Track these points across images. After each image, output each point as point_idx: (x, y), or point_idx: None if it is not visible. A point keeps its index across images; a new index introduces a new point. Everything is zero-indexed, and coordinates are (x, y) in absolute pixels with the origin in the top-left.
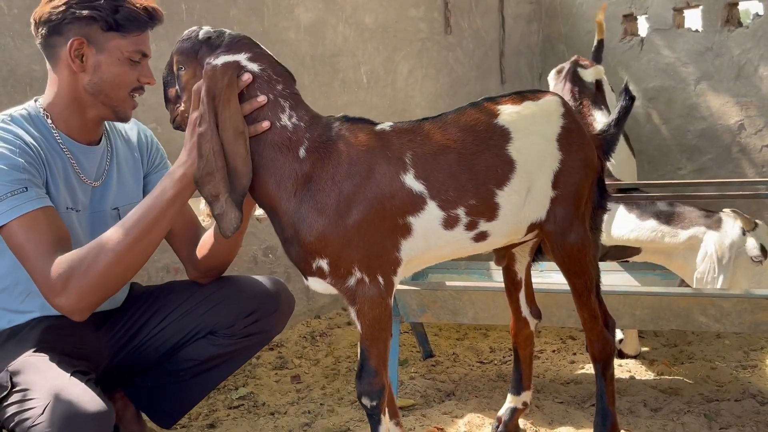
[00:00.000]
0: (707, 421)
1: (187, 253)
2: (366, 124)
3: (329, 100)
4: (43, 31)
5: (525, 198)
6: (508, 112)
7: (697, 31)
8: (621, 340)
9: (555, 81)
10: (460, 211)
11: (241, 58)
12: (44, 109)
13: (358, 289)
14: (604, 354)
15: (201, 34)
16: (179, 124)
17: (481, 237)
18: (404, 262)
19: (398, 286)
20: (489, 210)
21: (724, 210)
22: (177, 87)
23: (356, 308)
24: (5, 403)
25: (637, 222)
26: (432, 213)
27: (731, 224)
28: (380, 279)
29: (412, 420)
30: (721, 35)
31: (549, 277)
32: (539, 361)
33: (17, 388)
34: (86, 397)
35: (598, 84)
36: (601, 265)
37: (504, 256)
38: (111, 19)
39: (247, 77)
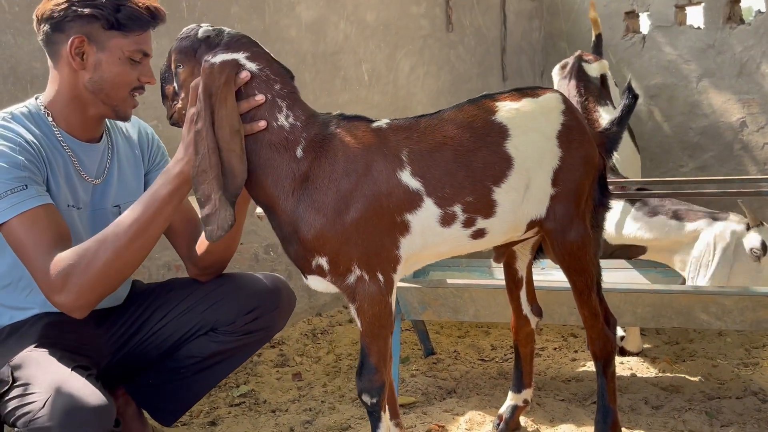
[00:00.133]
0: (708, 418)
1: (186, 250)
2: (362, 121)
3: (331, 97)
4: (45, 28)
5: (523, 195)
6: (506, 109)
7: (699, 28)
8: (623, 338)
9: (559, 76)
10: (457, 209)
11: (240, 56)
12: (45, 107)
13: (357, 286)
14: (605, 352)
15: (200, 33)
16: (176, 121)
17: (479, 234)
18: (403, 259)
19: (399, 284)
20: (486, 207)
21: (732, 213)
22: (174, 84)
23: (356, 305)
24: (6, 398)
25: (646, 219)
26: (429, 210)
27: (738, 219)
28: (380, 276)
29: (413, 417)
30: (723, 32)
31: (550, 274)
32: (540, 358)
33: (18, 383)
34: (87, 391)
35: (603, 79)
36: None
37: (503, 254)
38: (112, 17)
39: (244, 75)
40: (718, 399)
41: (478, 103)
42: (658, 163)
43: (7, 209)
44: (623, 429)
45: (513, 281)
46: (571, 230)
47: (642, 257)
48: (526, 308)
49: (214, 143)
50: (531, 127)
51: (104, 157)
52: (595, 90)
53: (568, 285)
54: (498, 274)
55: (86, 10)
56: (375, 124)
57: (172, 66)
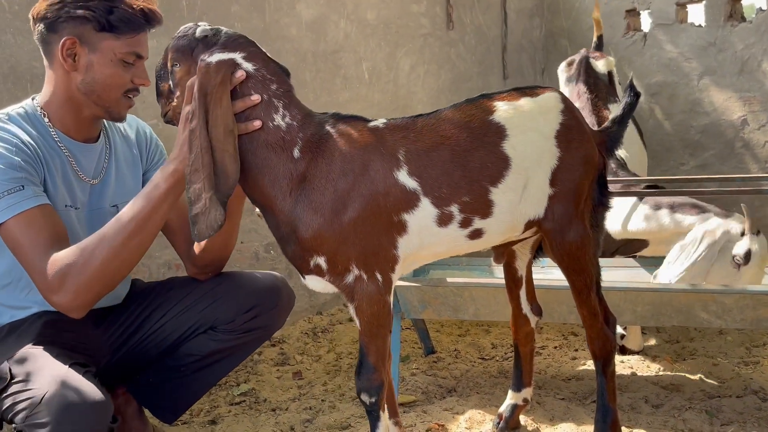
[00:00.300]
0: (709, 417)
1: (185, 248)
2: (359, 121)
3: (331, 96)
4: (40, 28)
5: (521, 195)
6: (504, 109)
7: (700, 26)
8: (623, 336)
9: (566, 73)
10: (454, 209)
11: (236, 56)
12: (41, 108)
13: (356, 285)
14: (605, 351)
15: (198, 32)
16: (170, 119)
17: (476, 234)
18: (401, 259)
19: (399, 283)
20: (483, 207)
21: (737, 213)
22: (170, 82)
23: (355, 305)
24: (5, 394)
25: (651, 211)
26: (426, 210)
27: (738, 219)
28: (378, 276)
29: (413, 416)
30: (724, 30)
31: (550, 273)
32: (540, 357)
33: (16, 379)
34: (84, 387)
35: (610, 75)
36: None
37: (503, 254)
38: (104, 19)
39: (240, 74)
40: (718, 398)
41: (475, 103)
42: (659, 161)
43: (4, 210)
44: (623, 428)
45: (513, 280)
46: (570, 230)
47: (644, 252)
48: (525, 307)
49: (207, 142)
50: (529, 126)
51: (101, 157)
52: (603, 87)
53: (568, 284)
54: (498, 273)
55: (78, 12)
56: (372, 124)
57: (168, 64)
